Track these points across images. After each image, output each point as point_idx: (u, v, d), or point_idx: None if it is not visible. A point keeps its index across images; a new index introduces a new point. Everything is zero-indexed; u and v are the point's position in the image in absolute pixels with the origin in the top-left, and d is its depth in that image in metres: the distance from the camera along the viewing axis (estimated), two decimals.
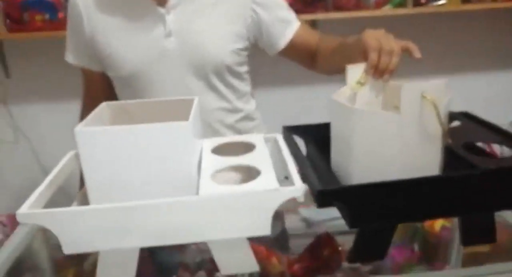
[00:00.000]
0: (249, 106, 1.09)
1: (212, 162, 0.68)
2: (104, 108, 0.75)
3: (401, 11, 1.67)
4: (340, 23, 1.78)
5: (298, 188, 0.58)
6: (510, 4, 1.71)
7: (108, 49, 0.96)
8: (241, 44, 0.99)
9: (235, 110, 1.04)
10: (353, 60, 0.78)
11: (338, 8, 1.66)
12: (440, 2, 1.67)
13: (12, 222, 2.00)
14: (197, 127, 0.70)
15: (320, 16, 1.66)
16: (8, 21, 1.61)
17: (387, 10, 1.67)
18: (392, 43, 0.76)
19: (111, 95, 1.05)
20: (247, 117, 1.08)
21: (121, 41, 0.95)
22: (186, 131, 0.61)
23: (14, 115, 1.90)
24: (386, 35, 0.78)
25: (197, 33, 0.94)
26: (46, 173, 1.13)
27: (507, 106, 2.10)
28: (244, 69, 1.05)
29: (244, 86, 1.06)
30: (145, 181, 0.62)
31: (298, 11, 1.60)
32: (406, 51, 0.78)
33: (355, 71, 0.77)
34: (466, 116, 0.94)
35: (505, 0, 1.71)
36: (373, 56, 0.74)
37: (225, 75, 0.99)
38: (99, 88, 1.07)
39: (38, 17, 1.59)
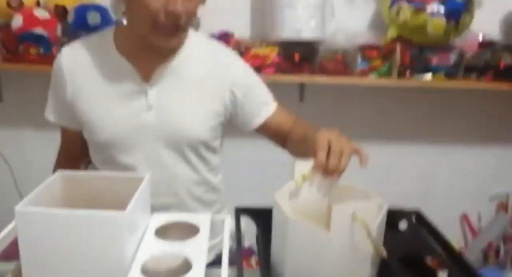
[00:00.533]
0: (217, 178, 1.11)
1: (150, 247, 0.70)
2: (57, 177, 0.77)
3: (385, 81, 1.71)
4: (325, 87, 1.83)
5: None
6: (494, 84, 1.74)
7: (87, 116, 0.98)
8: (217, 121, 1.02)
9: (204, 182, 1.06)
10: (308, 155, 0.80)
11: (325, 72, 1.70)
12: (425, 75, 1.71)
13: None
14: (139, 212, 0.72)
15: (305, 78, 1.70)
16: (4, 51, 1.66)
17: (371, 79, 1.71)
18: (343, 145, 0.78)
19: (86, 154, 1.07)
20: (214, 189, 1.10)
21: (101, 109, 0.97)
22: (122, 222, 0.62)
23: None
24: (338, 136, 0.80)
25: (176, 109, 0.97)
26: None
27: (487, 180, 2.13)
28: (218, 142, 1.07)
29: (216, 159, 1.09)
30: (76, 266, 0.63)
31: (285, 72, 1.67)
32: (356, 155, 0.80)
33: (303, 166, 0.79)
34: (417, 217, 0.96)
35: (489, 80, 1.75)
36: (320, 155, 0.76)
37: (200, 149, 1.01)
38: (76, 145, 1.09)
39: (32, 50, 1.63)
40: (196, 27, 1.72)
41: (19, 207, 0.63)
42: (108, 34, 1.00)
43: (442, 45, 1.70)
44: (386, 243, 0.78)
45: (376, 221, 0.67)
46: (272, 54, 1.65)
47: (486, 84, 1.75)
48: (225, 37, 1.73)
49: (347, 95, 1.92)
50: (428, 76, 1.71)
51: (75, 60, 0.99)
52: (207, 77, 0.99)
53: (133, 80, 0.96)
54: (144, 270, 0.63)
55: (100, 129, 0.98)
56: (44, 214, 0.64)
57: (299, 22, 1.58)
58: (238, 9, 1.81)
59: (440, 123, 2.04)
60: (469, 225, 2.17)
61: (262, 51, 1.64)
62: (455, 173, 2.12)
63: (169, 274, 0.67)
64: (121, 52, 0.97)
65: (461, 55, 1.72)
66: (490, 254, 1.97)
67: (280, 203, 0.71)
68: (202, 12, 1.67)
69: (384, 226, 0.72)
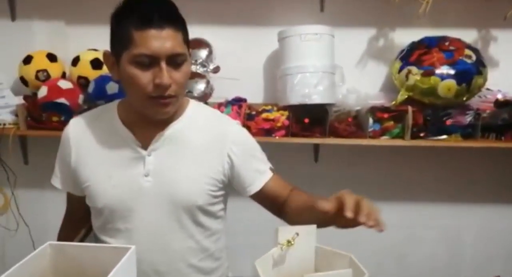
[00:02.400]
0: (217, 245, 1.09)
1: None
2: (46, 248, 0.78)
3: (399, 142, 1.68)
4: (339, 147, 1.82)
5: None
6: None
7: (87, 182, 1.02)
8: (215, 186, 1.02)
9: (201, 250, 1.05)
10: (321, 220, 0.82)
11: (336, 133, 1.70)
12: (441, 137, 1.67)
13: None
14: None
15: (317, 140, 1.70)
16: (29, 118, 1.76)
17: (384, 140, 1.68)
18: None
19: (88, 219, 1.11)
20: (212, 256, 1.08)
21: (101, 175, 1.00)
22: None
23: (20, 202, 2.00)
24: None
25: (173, 175, 0.99)
26: None
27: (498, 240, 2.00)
28: (218, 207, 1.07)
29: (216, 224, 1.08)
30: None
31: (296, 135, 1.68)
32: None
33: (286, 232, 0.79)
34: None
35: (509, 139, 1.68)
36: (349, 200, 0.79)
37: (197, 214, 1.02)
38: (79, 209, 1.12)
39: (55, 118, 1.72)
40: (210, 93, 1.79)
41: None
42: (113, 105, 1.06)
43: (457, 105, 1.68)
44: None
45: None
46: (282, 118, 1.67)
47: (505, 143, 1.69)
48: (238, 102, 1.78)
49: (362, 154, 1.89)
50: (444, 137, 1.67)
51: (80, 130, 1.05)
52: (205, 144, 1.01)
53: (132, 147, 1.00)
54: None
55: (99, 194, 1.00)
56: None
57: (308, 88, 1.60)
58: (250, 77, 1.87)
59: (460, 182, 1.97)
60: None
61: (273, 115, 1.67)
62: (482, 234, 2.01)
63: None
64: (123, 121, 1.02)
65: (477, 114, 1.68)
66: None
67: (260, 270, 0.70)
68: (216, 79, 1.78)
69: None
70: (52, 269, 0.79)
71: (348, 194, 0.80)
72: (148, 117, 0.97)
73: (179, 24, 0.92)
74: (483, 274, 2.04)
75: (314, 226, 0.81)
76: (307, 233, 0.80)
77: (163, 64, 0.89)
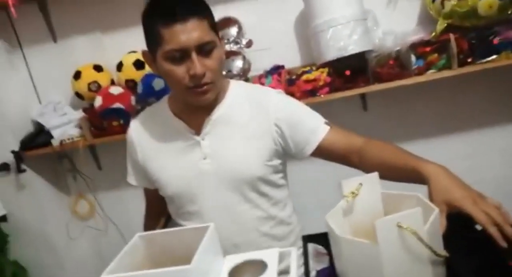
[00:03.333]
0: (284, 212, 1.14)
1: None
2: (137, 240, 0.88)
3: (446, 73, 1.63)
4: (386, 92, 1.80)
5: None
6: None
7: (156, 174, 1.12)
8: (270, 156, 1.07)
9: (269, 218, 1.11)
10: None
11: (380, 79, 1.68)
12: (490, 59, 1.60)
13: None
14: (207, 259, 0.79)
15: (362, 90, 1.69)
16: (92, 128, 1.91)
17: (431, 74, 1.64)
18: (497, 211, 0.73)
19: (166, 206, 1.21)
20: (282, 223, 1.13)
21: (165, 167, 1.10)
22: (189, 274, 0.70)
23: (103, 205, 2.19)
24: (480, 199, 0.75)
25: (229, 154, 1.06)
26: None
27: None
28: (278, 176, 1.12)
29: (279, 193, 1.13)
30: None
31: (340, 89, 1.68)
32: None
33: (349, 184, 0.82)
34: None
35: None
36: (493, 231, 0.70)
37: (259, 185, 1.08)
38: (157, 201, 1.24)
39: (115, 123, 1.85)
40: (248, 67, 1.82)
41: (105, 275, 0.74)
42: (163, 100, 1.15)
43: (502, 21, 1.59)
44: (461, 247, 0.77)
45: (426, 226, 0.67)
46: (323, 76, 1.68)
47: None
48: (276, 70, 1.80)
49: (411, 94, 1.86)
50: (493, 58, 1.60)
51: (140, 129, 1.15)
52: (251, 118, 1.06)
53: (187, 135, 1.08)
54: None
55: (167, 184, 1.10)
56: None
57: (342, 40, 1.59)
58: (284, 43, 1.88)
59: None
60: None
61: (313, 75, 1.68)
62: None
63: None
64: (174, 113, 1.10)
65: None
66: None
67: (331, 224, 0.75)
68: (251, 53, 1.81)
69: (438, 228, 0.72)
70: (146, 257, 0.89)
71: (474, 210, 0.72)
72: (194, 105, 1.04)
73: (203, 12, 0.95)
74: None
75: (376, 174, 0.84)
76: (370, 181, 0.84)
77: (194, 55, 0.93)
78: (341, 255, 0.74)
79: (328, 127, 1.08)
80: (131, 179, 1.23)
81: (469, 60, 1.62)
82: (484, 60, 1.61)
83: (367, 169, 0.96)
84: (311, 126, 1.07)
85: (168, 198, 1.15)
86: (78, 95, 1.95)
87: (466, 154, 1.95)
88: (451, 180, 0.78)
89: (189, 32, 0.92)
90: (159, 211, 1.27)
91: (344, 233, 0.74)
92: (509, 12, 1.54)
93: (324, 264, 1.14)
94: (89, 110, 1.90)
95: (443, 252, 0.70)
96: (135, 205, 2.14)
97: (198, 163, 1.07)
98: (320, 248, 1.16)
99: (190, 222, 1.12)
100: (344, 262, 0.74)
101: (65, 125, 1.96)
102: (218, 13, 1.83)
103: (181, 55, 0.94)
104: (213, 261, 0.82)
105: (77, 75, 1.91)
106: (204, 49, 0.95)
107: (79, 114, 1.93)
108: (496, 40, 1.59)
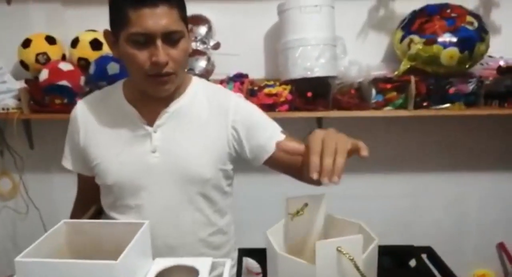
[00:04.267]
0: (224, 220, 1.11)
1: None
2: (62, 226, 0.80)
3: (402, 112, 1.68)
4: (343, 119, 1.82)
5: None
6: None
7: (96, 160, 1.03)
8: (223, 160, 1.03)
9: (209, 224, 1.06)
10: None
11: (339, 106, 1.70)
12: (444, 106, 1.67)
13: None
14: (136, 258, 0.73)
15: (320, 114, 1.70)
16: (31, 102, 1.76)
17: (387, 111, 1.69)
18: (338, 142, 0.72)
19: (98, 199, 1.12)
20: (220, 231, 1.09)
21: (110, 153, 1.02)
22: (115, 270, 0.64)
23: (29, 186, 2.03)
24: (332, 134, 0.74)
25: (180, 150, 1.00)
26: None
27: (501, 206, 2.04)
28: (227, 182, 1.08)
29: (224, 200, 1.09)
30: None
31: (299, 109, 1.68)
32: (355, 151, 0.75)
33: (295, 202, 0.79)
34: (428, 254, 0.93)
35: None
36: (314, 159, 0.70)
37: (205, 188, 1.03)
38: (90, 189, 1.14)
39: (57, 101, 1.73)
40: (212, 69, 1.78)
41: (18, 258, 0.66)
42: (118, 85, 1.07)
43: (459, 74, 1.67)
44: None
45: (364, 254, 0.65)
46: (285, 92, 1.67)
47: (508, 110, 1.69)
48: (240, 78, 1.77)
49: (366, 126, 1.90)
50: (447, 106, 1.67)
51: (88, 110, 1.06)
52: (209, 117, 1.02)
53: (138, 125, 1.01)
54: None
55: (108, 172, 1.02)
56: (41, 264, 0.66)
57: (309, 61, 1.60)
58: (251, 52, 1.86)
59: (463, 150, 1.98)
60: (507, 254, 2.05)
61: (275, 89, 1.67)
62: (486, 200, 2.05)
63: None
64: (128, 100, 1.03)
65: (480, 82, 1.68)
66: None
67: (272, 239, 0.72)
68: (217, 55, 1.77)
69: (376, 259, 0.71)
70: (68, 246, 0.81)
71: (314, 137, 0.73)
72: (151, 95, 0.98)
73: (174, 1, 0.91)
74: (486, 240, 2.08)
75: (323, 195, 0.82)
76: (316, 202, 0.82)
77: (159, 42, 0.89)
78: (277, 273, 0.70)
79: (283, 136, 1.05)
80: (66, 162, 1.12)
81: (425, 104, 1.68)
82: (438, 107, 1.68)
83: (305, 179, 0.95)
84: (269, 132, 1.05)
85: (105, 188, 1.07)
86: (23, 64, 1.80)
87: (407, 193, 2.02)
88: (327, 131, 0.76)
89: (157, 17, 0.88)
90: (90, 201, 1.17)
91: (283, 250, 0.71)
92: (467, 66, 1.62)
93: None
94: (32, 82, 1.76)
95: None
96: (63, 193, 2.00)
97: (146, 156, 1.00)
98: (253, 266, 1.13)
99: (126, 216, 1.04)
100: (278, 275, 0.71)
101: (3, 93, 1.80)
102: (191, 9, 1.76)
103: (146, 40, 0.89)
104: (141, 261, 0.76)
105: (26, 43, 1.78)
106: (171, 38, 0.91)
107: (20, 84, 1.79)
108: (451, 90, 1.67)
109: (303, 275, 0.65)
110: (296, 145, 0.79)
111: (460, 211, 2.06)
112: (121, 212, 1.05)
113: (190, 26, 1.00)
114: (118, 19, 0.91)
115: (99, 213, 1.17)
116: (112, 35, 0.95)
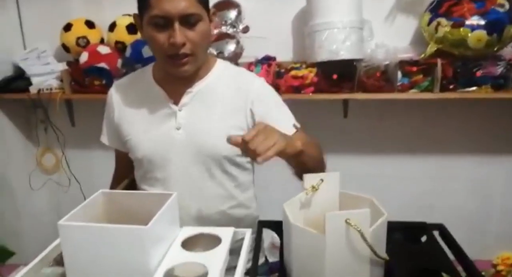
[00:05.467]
0: (246, 194, 1.17)
1: (175, 256, 0.79)
2: (99, 195, 0.90)
3: (427, 95, 1.70)
4: (368, 102, 1.86)
5: None
6: None
7: (128, 135, 1.13)
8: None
9: (231, 197, 1.14)
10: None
11: (364, 89, 1.73)
12: (470, 89, 1.67)
13: None
14: (164, 225, 0.82)
15: (346, 96, 1.74)
16: (73, 83, 1.89)
17: (413, 93, 1.70)
18: (274, 135, 0.86)
19: (133, 171, 1.22)
20: (241, 205, 1.16)
21: (139, 130, 1.11)
22: (144, 235, 0.72)
23: (70, 161, 2.18)
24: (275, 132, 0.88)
25: (202, 128, 1.08)
26: None
27: None
28: (245, 159, 1.14)
29: (244, 176, 1.16)
30: (108, 270, 0.74)
31: (325, 91, 1.72)
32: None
33: (311, 179, 0.86)
34: (440, 232, 0.97)
35: None
36: (247, 134, 0.83)
37: (224, 164, 1.10)
38: (126, 164, 1.24)
39: (96, 82, 1.84)
40: (240, 53, 1.84)
41: (61, 222, 0.76)
42: (149, 67, 1.16)
43: (487, 56, 1.66)
44: (402, 254, 0.82)
45: (372, 227, 0.71)
46: (311, 75, 1.71)
47: None
48: (267, 60, 1.82)
49: (391, 108, 1.92)
50: (473, 89, 1.67)
51: (121, 91, 1.16)
52: (229, 98, 1.08)
53: (165, 103, 1.09)
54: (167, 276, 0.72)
55: (138, 147, 1.12)
56: (80, 227, 0.75)
57: (335, 44, 1.63)
58: (280, 35, 1.91)
59: (489, 134, 1.97)
60: None
61: (301, 72, 1.71)
62: (511, 184, 2.02)
63: None
64: (157, 81, 1.12)
65: (509, 65, 1.66)
66: None
67: (287, 211, 0.78)
68: (246, 39, 1.83)
69: (385, 233, 0.76)
70: (104, 213, 0.90)
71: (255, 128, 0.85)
72: (173, 75, 1.05)
73: None
74: (510, 224, 2.07)
75: (337, 173, 0.88)
76: (331, 179, 0.87)
77: (176, 24, 0.95)
78: (290, 243, 0.77)
79: (294, 130, 1.09)
80: (104, 138, 1.23)
81: (451, 86, 1.68)
82: (465, 90, 1.68)
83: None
84: (280, 122, 1.06)
85: (137, 162, 1.17)
86: (64, 47, 1.92)
87: (429, 175, 2.03)
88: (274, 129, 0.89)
89: (175, 1, 0.94)
90: (126, 175, 1.28)
91: (299, 223, 0.77)
92: (495, 49, 1.60)
93: (277, 258, 1.18)
94: (73, 64, 1.89)
95: (384, 255, 0.74)
96: (102, 168, 2.14)
97: (171, 132, 1.09)
98: (277, 242, 1.19)
99: (154, 188, 1.13)
100: (292, 250, 0.78)
101: (46, 75, 1.94)
102: None
103: (165, 23, 0.96)
104: (169, 229, 0.85)
105: (68, 27, 1.89)
106: (188, 21, 0.97)
107: (62, 66, 1.91)
108: (479, 73, 1.66)
109: (314, 245, 0.72)
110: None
111: (483, 194, 2.06)
112: (151, 184, 1.15)
113: (213, 10, 1.06)
114: (141, 3, 0.99)
115: (133, 186, 1.28)
116: (139, 18, 1.03)
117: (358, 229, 0.69)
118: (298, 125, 1.12)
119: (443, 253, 0.88)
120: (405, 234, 0.97)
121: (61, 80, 1.92)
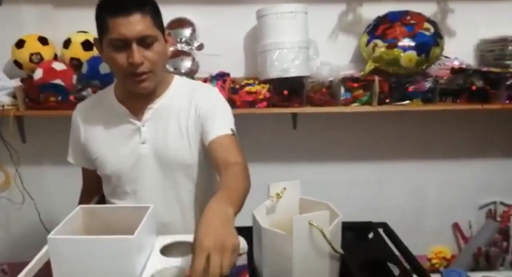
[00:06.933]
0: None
1: (155, 262, 0.88)
2: (78, 211, 0.95)
3: (367, 108, 1.89)
4: (315, 115, 2.02)
5: None
6: (467, 106, 1.91)
7: (96, 153, 1.19)
8: (198, 143, 1.17)
9: (198, 202, 1.22)
10: None
11: (312, 103, 1.89)
12: (404, 102, 1.89)
13: (12, 270, 2.20)
14: (146, 235, 0.90)
15: (295, 110, 1.89)
16: (27, 99, 1.88)
17: (355, 107, 1.89)
18: (224, 260, 0.70)
19: (101, 189, 1.28)
20: None
21: (106, 148, 1.18)
22: (131, 244, 0.80)
23: (23, 178, 2.15)
24: (217, 248, 0.70)
25: (165, 141, 1.16)
26: (46, 229, 1.23)
27: (474, 191, 2.29)
28: (208, 163, 1.21)
29: (211, 179, 1.25)
30: None
31: (276, 105, 1.85)
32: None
33: (275, 187, 0.98)
34: (384, 229, 1.13)
35: (463, 102, 1.91)
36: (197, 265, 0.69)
37: (190, 172, 1.19)
38: (94, 181, 1.30)
39: (52, 98, 1.84)
40: (196, 69, 1.93)
41: (50, 236, 0.81)
42: (110, 87, 1.24)
43: (417, 74, 1.88)
44: (354, 249, 0.96)
45: (330, 227, 0.83)
46: (264, 90, 1.84)
47: (460, 106, 1.92)
48: (222, 77, 1.93)
49: (335, 121, 2.10)
50: (406, 102, 1.88)
51: (86, 112, 1.23)
52: (185, 109, 1.17)
53: (129, 121, 1.17)
54: None
55: (106, 164, 1.18)
56: (69, 240, 0.82)
57: (286, 63, 1.77)
58: (233, 52, 2.02)
59: (422, 142, 2.22)
60: (461, 233, 2.31)
61: (255, 88, 1.84)
62: (444, 186, 2.29)
63: None
64: (119, 100, 1.19)
65: (436, 81, 1.89)
66: (480, 258, 2.11)
67: (257, 217, 0.89)
68: (201, 56, 1.92)
69: (340, 232, 0.90)
70: (84, 228, 0.96)
71: (199, 245, 0.70)
72: (134, 92, 1.12)
73: (147, 9, 1.05)
74: (443, 221, 2.33)
75: (298, 181, 1.01)
76: (293, 187, 1.00)
77: (134, 46, 1.03)
78: (261, 245, 0.88)
79: (230, 133, 1.12)
80: (71, 158, 1.28)
81: (387, 100, 1.89)
82: (399, 103, 1.89)
83: None
84: (218, 123, 1.14)
85: (105, 177, 1.22)
86: (17, 63, 1.91)
87: (373, 180, 2.24)
88: (212, 220, 0.76)
89: (131, 24, 1.02)
90: (94, 191, 1.32)
91: (266, 225, 0.88)
92: (424, 67, 1.83)
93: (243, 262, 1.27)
94: (27, 80, 1.87)
95: (340, 250, 0.87)
96: (55, 184, 2.15)
97: (137, 147, 1.16)
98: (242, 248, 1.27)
99: (124, 201, 1.20)
100: (262, 251, 0.88)
101: None
102: (176, 13, 1.93)
103: (123, 44, 1.04)
104: (149, 238, 0.93)
105: (20, 44, 1.88)
106: (145, 42, 1.05)
107: (15, 82, 1.89)
108: (410, 88, 1.88)
109: (283, 245, 0.83)
110: None
111: (420, 196, 2.30)
112: (120, 198, 1.22)
113: (168, 31, 1.15)
114: (100, 27, 1.07)
115: (103, 202, 1.33)
116: (99, 41, 1.10)
117: (320, 228, 0.81)
118: (235, 131, 1.15)
119: (388, 247, 1.04)
120: (355, 232, 1.12)
121: (14, 97, 1.90)
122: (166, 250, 0.95)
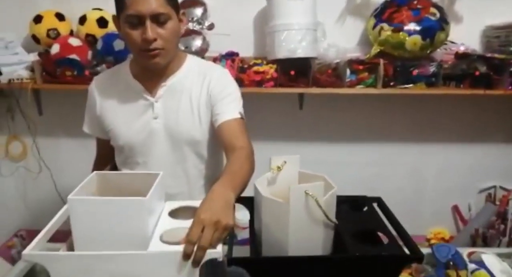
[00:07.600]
0: (218, 173, 1.28)
1: (165, 224, 0.96)
2: (93, 176, 1.03)
3: (372, 90, 1.94)
4: (321, 96, 2.08)
5: (219, 251, 0.84)
6: (470, 91, 1.95)
7: (110, 125, 1.27)
8: (208, 122, 1.24)
9: (205, 176, 1.31)
10: None
11: (318, 84, 1.94)
12: (407, 86, 1.93)
13: (30, 236, 2.33)
14: (156, 198, 0.98)
15: (301, 90, 1.95)
16: (44, 73, 1.96)
17: (359, 89, 1.94)
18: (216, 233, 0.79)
19: (113, 158, 1.36)
20: (215, 181, 1.32)
21: (121, 120, 1.26)
22: (144, 205, 0.88)
23: (40, 149, 2.25)
24: (211, 224, 0.80)
25: (176, 117, 1.23)
26: (62, 198, 1.29)
27: (474, 175, 2.34)
28: (216, 141, 1.28)
29: (216, 156, 1.32)
30: (112, 238, 0.89)
31: (283, 85, 1.91)
32: None
33: (276, 160, 1.06)
34: (378, 203, 1.20)
35: (466, 87, 1.96)
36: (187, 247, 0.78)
37: (199, 148, 1.27)
38: (107, 150, 1.38)
39: (68, 73, 1.92)
40: (206, 48, 1.99)
41: (70, 196, 0.89)
42: (126, 62, 1.31)
43: (422, 58, 1.92)
44: (347, 220, 1.04)
45: (325, 197, 0.91)
46: (271, 70, 1.90)
47: (463, 90, 1.96)
48: (231, 56, 1.99)
49: (341, 102, 2.16)
50: (410, 86, 1.93)
51: (102, 85, 1.30)
52: (197, 88, 1.24)
53: (142, 96, 1.24)
54: (161, 241, 0.89)
55: (120, 136, 1.27)
56: (87, 200, 0.90)
57: (293, 43, 1.82)
58: (242, 32, 2.08)
59: (423, 125, 2.27)
60: (460, 215, 2.38)
61: (263, 68, 1.90)
62: (445, 169, 2.35)
63: (179, 244, 0.93)
64: (134, 75, 1.26)
65: (440, 65, 1.93)
66: (477, 239, 2.18)
67: (259, 187, 0.97)
68: (211, 35, 1.98)
69: (334, 203, 0.97)
70: (98, 192, 1.04)
71: (197, 218, 0.81)
72: (147, 68, 1.19)
73: None
74: (442, 203, 2.40)
75: (298, 156, 1.08)
76: (293, 161, 1.07)
77: (148, 22, 1.10)
78: (261, 213, 0.96)
79: (238, 117, 1.19)
80: (86, 128, 1.36)
81: (392, 83, 1.93)
82: (403, 86, 1.94)
83: None
84: (228, 107, 1.21)
85: (118, 148, 1.31)
86: (34, 38, 1.98)
87: (373, 161, 2.30)
88: (213, 201, 0.86)
89: (146, 2, 1.09)
90: (107, 161, 1.41)
91: (266, 194, 0.96)
92: (428, 51, 1.87)
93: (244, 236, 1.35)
94: (45, 55, 1.95)
95: (334, 219, 0.95)
96: (70, 155, 2.24)
97: (149, 121, 1.24)
98: (239, 222, 1.35)
99: (135, 171, 1.28)
100: (262, 218, 0.97)
101: (16, 65, 1.98)
102: None
103: (138, 21, 1.11)
104: (159, 202, 1.01)
105: (38, 19, 1.95)
106: (159, 19, 1.11)
107: (33, 57, 1.97)
108: (415, 72, 1.92)
109: (281, 213, 0.91)
110: None
111: (421, 178, 2.36)
112: (131, 168, 1.30)
113: (182, 10, 1.21)
114: (118, 4, 1.13)
115: (114, 170, 1.42)
116: (117, 19, 1.17)
117: (315, 198, 0.88)
118: (243, 114, 1.22)
119: (379, 218, 1.11)
120: (350, 206, 1.19)
121: (32, 70, 1.98)
122: (173, 214, 1.03)
